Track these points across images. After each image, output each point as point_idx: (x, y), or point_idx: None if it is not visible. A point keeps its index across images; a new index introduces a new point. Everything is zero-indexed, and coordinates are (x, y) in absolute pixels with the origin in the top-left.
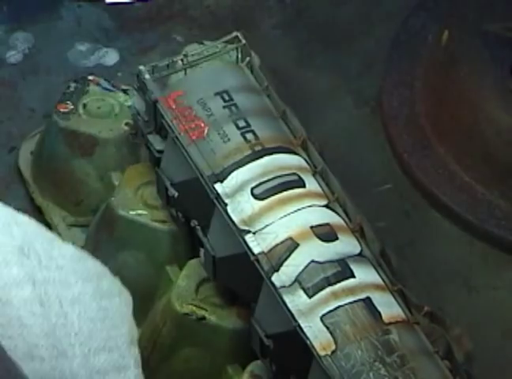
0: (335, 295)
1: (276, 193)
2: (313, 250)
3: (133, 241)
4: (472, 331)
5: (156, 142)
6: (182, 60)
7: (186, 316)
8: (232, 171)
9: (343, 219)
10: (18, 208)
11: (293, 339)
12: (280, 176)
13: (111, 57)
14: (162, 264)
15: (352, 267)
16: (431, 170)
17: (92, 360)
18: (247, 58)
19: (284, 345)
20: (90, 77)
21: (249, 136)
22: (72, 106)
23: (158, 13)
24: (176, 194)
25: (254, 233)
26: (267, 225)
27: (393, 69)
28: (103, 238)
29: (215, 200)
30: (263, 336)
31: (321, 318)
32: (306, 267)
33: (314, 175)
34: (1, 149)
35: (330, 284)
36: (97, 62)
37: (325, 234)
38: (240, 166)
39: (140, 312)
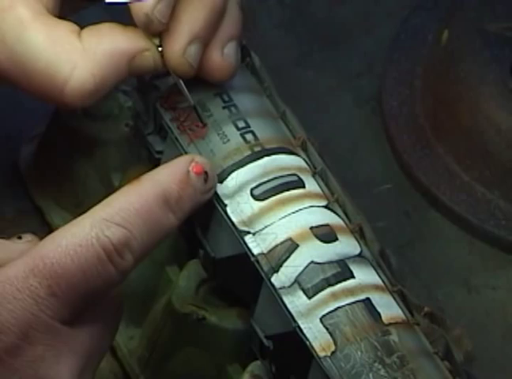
0: (335, 296)
1: (275, 194)
2: (312, 251)
3: None
4: (472, 331)
5: (156, 143)
6: None
7: (186, 316)
8: (232, 172)
9: (342, 219)
10: (18, 209)
11: (293, 340)
12: (279, 177)
13: None
14: (162, 264)
15: (352, 268)
16: (431, 170)
17: None
18: (247, 59)
19: (284, 346)
20: None
21: (248, 136)
22: None
23: None
24: None
25: (253, 234)
26: (267, 226)
27: (393, 69)
28: None
29: (214, 201)
30: (263, 337)
31: (321, 319)
32: (306, 268)
33: (313, 176)
34: (1, 149)
35: (330, 285)
36: None
37: (325, 234)
38: (240, 167)
39: (140, 312)
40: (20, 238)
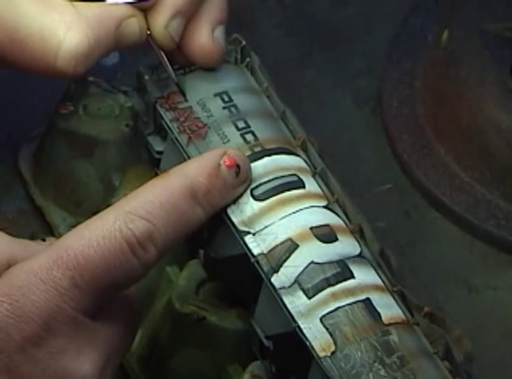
0: (335, 296)
1: (276, 194)
2: (312, 251)
3: None
4: (472, 331)
5: (156, 143)
6: None
7: (186, 316)
8: None
9: (342, 220)
10: (18, 209)
11: (293, 340)
12: (279, 177)
13: (110, 57)
14: (162, 264)
15: (352, 268)
16: (431, 170)
17: None
18: (247, 59)
19: (284, 346)
20: (90, 78)
21: (248, 137)
22: (72, 108)
23: None
24: None
25: (253, 234)
26: (267, 226)
27: (393, 69)
28: None
29: None
30: (263, 337)
31: (321, 319)
32: (306, 268)
33: (313, 176)
34: (1, 149)
35: (330, 285)
36: (97, 62)
37: (325, 235)
38: None
39: None
40: (44, 240)
